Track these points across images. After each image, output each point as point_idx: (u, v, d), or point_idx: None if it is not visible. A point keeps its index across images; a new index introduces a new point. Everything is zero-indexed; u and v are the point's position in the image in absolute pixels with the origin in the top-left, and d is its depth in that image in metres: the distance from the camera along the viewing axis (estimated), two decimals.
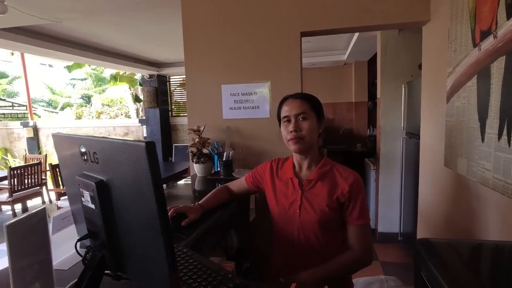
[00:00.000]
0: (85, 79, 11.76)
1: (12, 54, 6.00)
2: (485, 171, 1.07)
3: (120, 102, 9.91)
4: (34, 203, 4.86)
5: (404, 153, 3.08)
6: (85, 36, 3.62)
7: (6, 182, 4.12)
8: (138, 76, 6.63)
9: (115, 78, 6.81)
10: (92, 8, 2.34)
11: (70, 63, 6.37)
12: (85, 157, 0.67)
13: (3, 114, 8.68)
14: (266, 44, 1.90)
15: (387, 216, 3.21)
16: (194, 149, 1.89)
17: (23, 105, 8.85)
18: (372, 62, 4.97)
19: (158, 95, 5.85)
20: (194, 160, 1.87)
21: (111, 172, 0.61)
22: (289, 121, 1.10)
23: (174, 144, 5.74)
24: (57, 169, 3.72)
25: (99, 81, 11.23)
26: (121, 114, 9.48)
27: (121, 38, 3.76)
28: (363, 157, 4.14)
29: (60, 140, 0.79)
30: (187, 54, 2.01)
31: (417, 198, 1.98)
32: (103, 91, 10.86)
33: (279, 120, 1.16)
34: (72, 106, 10.86)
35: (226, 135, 1.94)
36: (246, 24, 1.92)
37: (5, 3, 1.98)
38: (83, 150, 0.67)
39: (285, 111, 1.11)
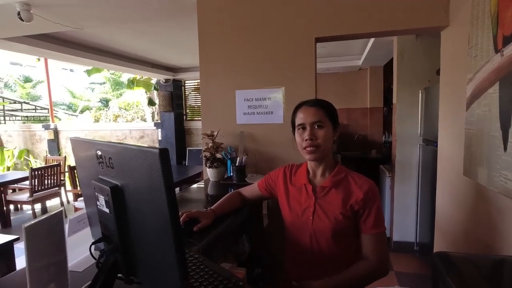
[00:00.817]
0: (104, 83, 12.13)
1: (39, 60, 6.25)
2: (508, 182, 1.02)
3: (137, 106, 10.14)
4: (52, 203, 5.01)
5: (421, 160, 3.00)
6: (105, 42, 3.73)
7: (27, 182, 4.28)
8: (154, 81, 6.78)
9: (132, 82, 6.98)
10: (113, 16, 2.41)
11: (90, 68, 6.59)
12: (101, 162, 0.68)
13: (27, 116, 9.04)
14: (281, 50, 1.90)
15: (402, 224, 3.13)
16: (208, 154, 1.90)
17: (45, 108, 9.19)
18: (388, 67, 4.88)
19: (173, 99, 5.95)
20: (208, 164, 1.89)
21: (125, 177, 0.62)
22: (304, 128, 1.08)
23: (188, 148, 5.81)
24: (75, 171, 3.82)
25: (117, 85, 11.55)
26: (137, 118, 9.69)
27: (140, 44, 3.86)
28: (378, 164, 4.06)
29: (77, 144, 0.81)
30: (203, 60, 2.03)
31: (434, 207, 1.91)
32: (121, 95, 11.16)
33: (293, 127, 1.14)
34: (91, 109, 11.19)
35: (240, 140, 1.95)
36: (260, 30, 1.92)
37: (31, 11, 2.07)
38: (99, 155, 0.69)
39: (300, 118, 1.10)
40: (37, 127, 7.01)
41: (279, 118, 1.96)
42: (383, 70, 5.04)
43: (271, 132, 1.97)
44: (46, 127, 6.73)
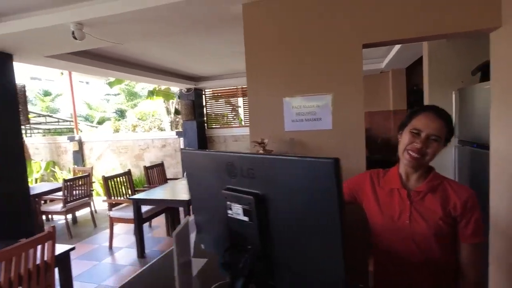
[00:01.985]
0: (118, 94, 12.39)
1: (62, 74, 6.45)
2: None
3: (153, 116, 10.30)
4: (80, 213, 5.13)
5: (457, 161, 2.98)
6: (136, 55, 3.85)
7: (58, 193, 4.41)
8: (173, 90, 6.92)
9: (152, 93, 7.14)
10: (155, 30, 2.49)
11: (112, 79, 6.76)
12: (234, 172, 0.72)
13: (49, 129, 9.28)
14: (328, 57, 1.94)
15: None
16: None
17: (67, 120, 9.45)
18: (411, 69, 4.89)
19: (195, 108, 6.05)
20: None
21: (270, 187, 0.65)
22: (418, 134, 1.06)
23: None
24: (109, 181, 3.91)
25: (131, 95, 11.79)
26: (154, 127, 9.85)
27: (170, 55, 3.96)
28: None
29: (192, 156, 0.86)
30: (249, 70, 2.08)
31: None
32: (135, 105, 11.37)
33: (404, 124, 1.12)
34: (109, 120, 11.42)
35: (290, 147, 1.98)
36: (307, 38, 1.96)
37: (83, 30, 2.16)
38: (231, 165, 0.73)
39: (421, 123, 1.06)
40: (62, 139, 7.19)
41: (328, 125, 1.98)
42: (405, 72, 5.04)
43: (320, 139, 2.00)
44: (71, 139, 6.91)
